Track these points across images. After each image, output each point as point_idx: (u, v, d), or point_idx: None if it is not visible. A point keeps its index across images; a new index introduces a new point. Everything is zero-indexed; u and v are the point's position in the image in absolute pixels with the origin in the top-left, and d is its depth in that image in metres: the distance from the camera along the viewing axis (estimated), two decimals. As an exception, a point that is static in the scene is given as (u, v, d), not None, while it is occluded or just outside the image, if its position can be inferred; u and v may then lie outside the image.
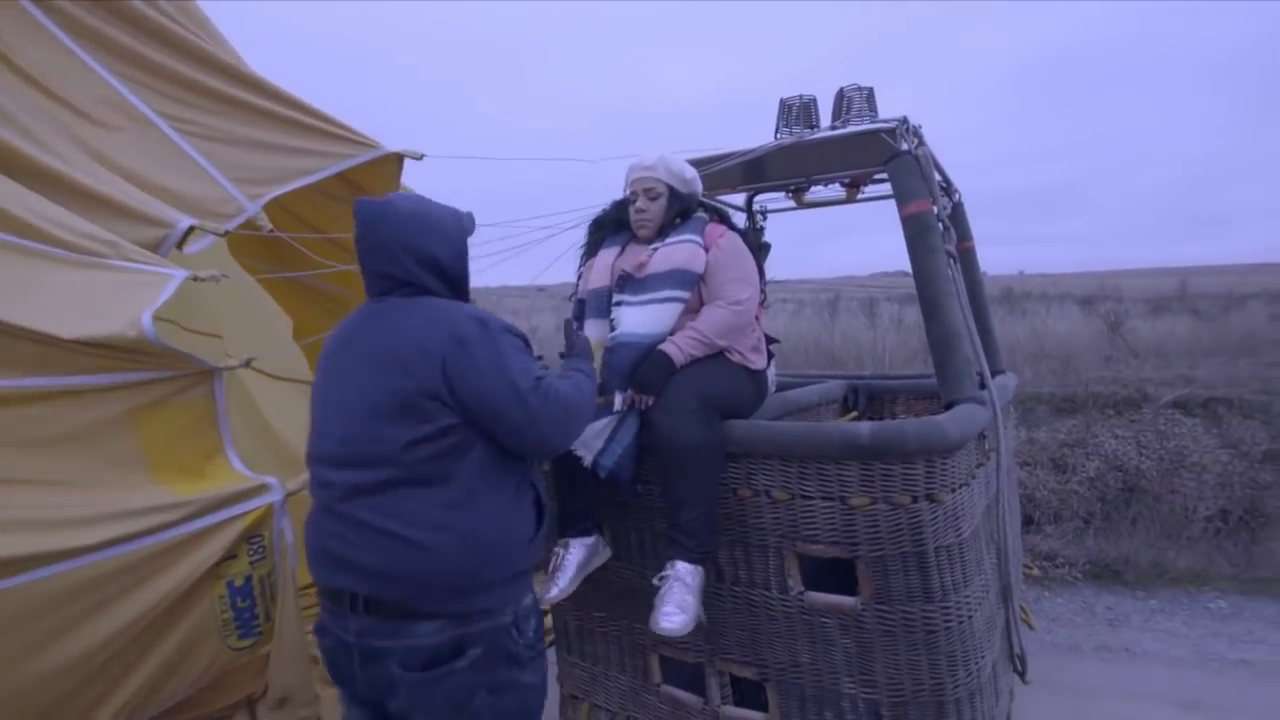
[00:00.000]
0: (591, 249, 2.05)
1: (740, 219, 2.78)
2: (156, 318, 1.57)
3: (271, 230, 2.10)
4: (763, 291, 1.98)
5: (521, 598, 1.36)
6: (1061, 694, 2.48)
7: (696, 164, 2.07)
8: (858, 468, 1.57)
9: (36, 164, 1.78)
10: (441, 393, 1.25)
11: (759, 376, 1.92)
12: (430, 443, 1.26)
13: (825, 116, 2.12)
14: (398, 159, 2.38)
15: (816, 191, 2.61)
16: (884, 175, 2.17)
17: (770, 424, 1.78)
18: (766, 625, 1.74)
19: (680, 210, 1.92)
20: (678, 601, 1.60)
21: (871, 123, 2.00)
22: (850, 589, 1.63)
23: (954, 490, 1.60)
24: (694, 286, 1.82)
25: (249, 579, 1.77)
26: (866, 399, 3.08)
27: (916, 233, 1.92)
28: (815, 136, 2.08)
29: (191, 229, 1.86)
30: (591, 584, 1.86)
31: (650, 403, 1.73)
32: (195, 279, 1.71)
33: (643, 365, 1.74)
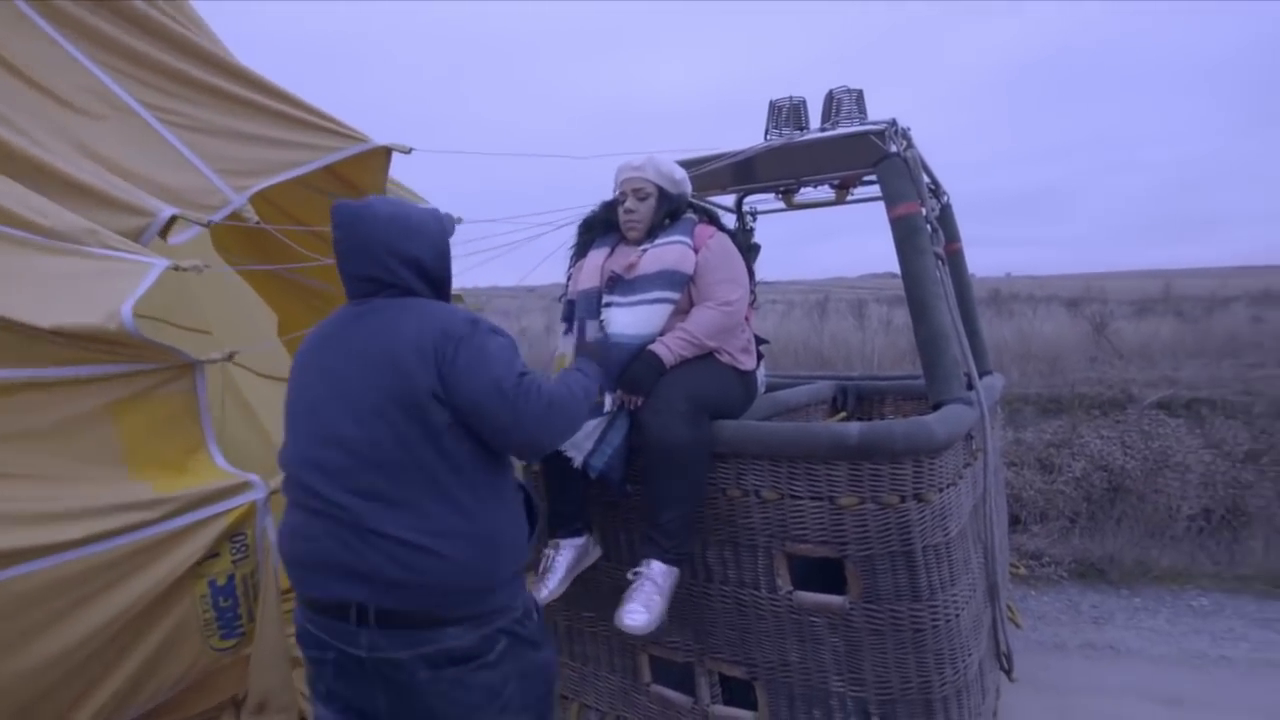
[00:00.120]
0: (581, 250, 2.05)
1: (730, 220, 2.78)
2: (144, 314, 1.55)
3: (258, 222, 2.07)
4: (752, 292, 1.99)
5: (524, 588, 1.38)
6: (1047, 691, 2.50)
7: (686, 165, 2.08)
8: (846, 468, 1.58)
9: (13, 149, 1.74)
10: (439, 392, 1.24)
11: (748, 377, 1.93)
12: (435, 444, 1.24)
13: (815, 118, 2.12)
14: (385, 153, 2.35)
15: (806, 193, 2.62)
16: (873, 177, 2.18)
17: (760, 424, 1.78)
18: (756, 624, 1.74)
19: (669, 211, 1.91)
20: (645, 600, 1.60)
21: (861, 125, 2.01)
22: (839, 588, 1.64)
23: (941, 490, 1.61)
24: (683, 287, 1.82)
25: (231, 578, 1.74)
26: (855, 400, 3.09)
27: (905, 234, 1.93)
28: (805, 138, 2.08)
29: (174, 219, 1.83)
30: (581, 584, 1.85)
31: (640, 403, 1.72)
32: (177, 269, 1.67)
33: (632, 366, 1.73)
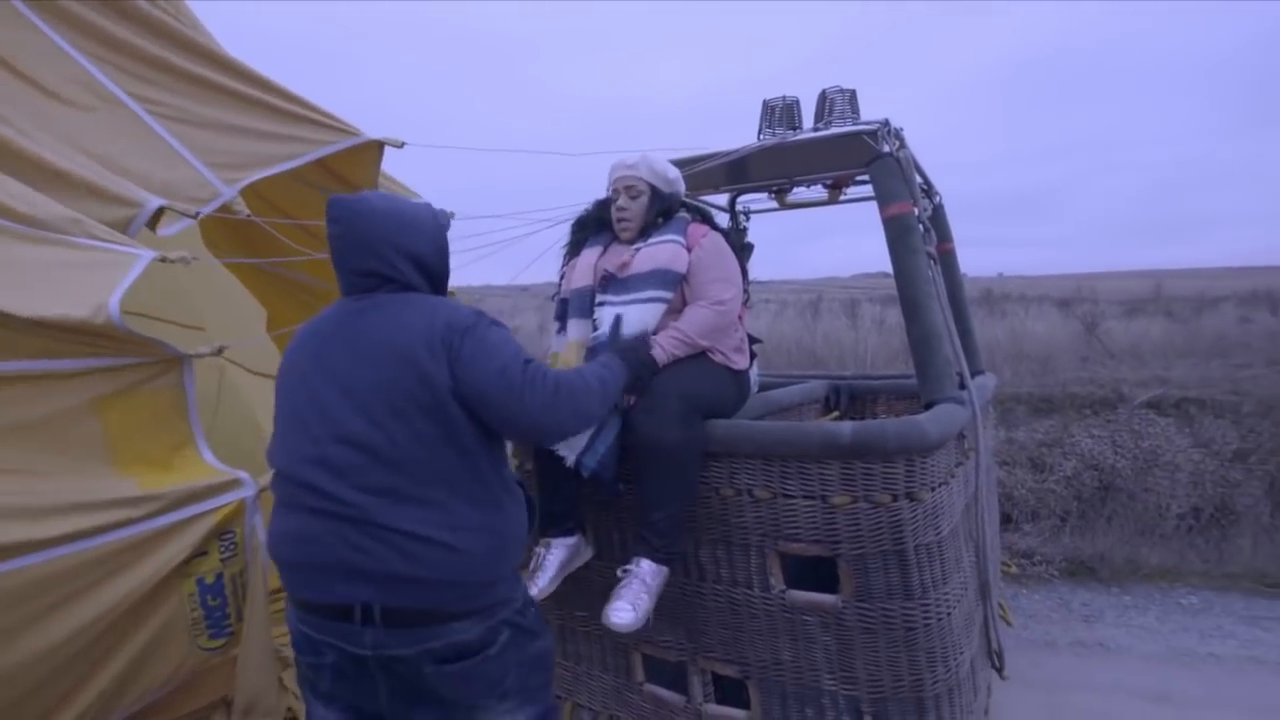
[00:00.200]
0: (574, 248, 2.04)
1: (723, 219, 2.78)
2: (133, 311, 1.52)
3: (248, 215, 2.05)
4: (746, 292, 1.98)
5: (521, 580, 1.39)
6: (1038, 689, 2.51)
7: (679, 164, 2.07)
8: (839, 467, 1.58)
9: None
10: (450, 385, 1.23)
11: (741, 376, 1.92)
12: (457, 444, 1.24)
13: (808, 118, 2.12)
14: (378, 146, 2.34)
15: (799, 193, 2.62)
16: (866, 177, 2.18)
17: (753, 424, 1.78)
18: (748, 623, 1.74)
19: (662, 210, 1.91)
20: (632, 598, 1.60)
21: (854, 125, 2.01)
22: (831, 587, 1.64)
23: (934, 489, 1.61)
24: (677, 287, 1.81)
25: (220, 576, 1.71)
26: (848, 399, 3.10)
27: (897, 234, 1.93)
28: (798, 138, 2.08)
29: (163, 210, 1.80)
30: (573, 583, 1.85)
31: (632, 402, 1.72)
32: (164, 260, 1.65)
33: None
